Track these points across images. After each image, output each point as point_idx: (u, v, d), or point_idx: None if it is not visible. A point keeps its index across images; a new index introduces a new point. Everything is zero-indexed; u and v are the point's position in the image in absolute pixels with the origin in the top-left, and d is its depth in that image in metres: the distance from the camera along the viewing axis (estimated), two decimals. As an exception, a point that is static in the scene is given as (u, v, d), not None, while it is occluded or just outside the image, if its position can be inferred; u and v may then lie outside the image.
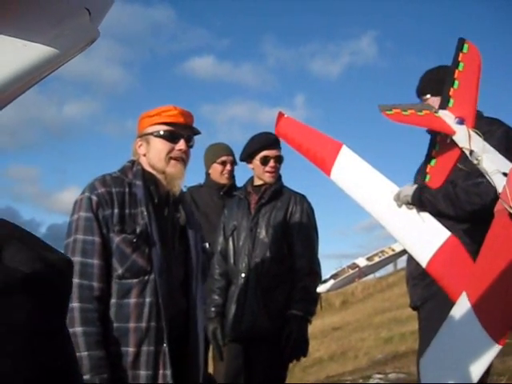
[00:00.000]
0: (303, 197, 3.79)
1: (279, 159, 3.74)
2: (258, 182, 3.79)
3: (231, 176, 4.23)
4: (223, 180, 4.20)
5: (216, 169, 4.21)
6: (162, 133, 2.42)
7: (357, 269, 6.16)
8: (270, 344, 3.53)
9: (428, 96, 3.23)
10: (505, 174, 2.30)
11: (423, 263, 2.93)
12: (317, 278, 3.64)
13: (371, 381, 8.04)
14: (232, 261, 3.64)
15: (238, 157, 4.05)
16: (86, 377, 2.16)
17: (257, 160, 3.75)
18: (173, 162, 2.42)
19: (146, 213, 2.35)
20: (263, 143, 3.74)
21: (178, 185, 2.43)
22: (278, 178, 3.81)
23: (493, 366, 3.09)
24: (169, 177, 2.43)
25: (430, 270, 2.91)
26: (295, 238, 3.61)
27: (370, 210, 3.08)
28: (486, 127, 2.91)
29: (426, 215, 2.97)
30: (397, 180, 3.10)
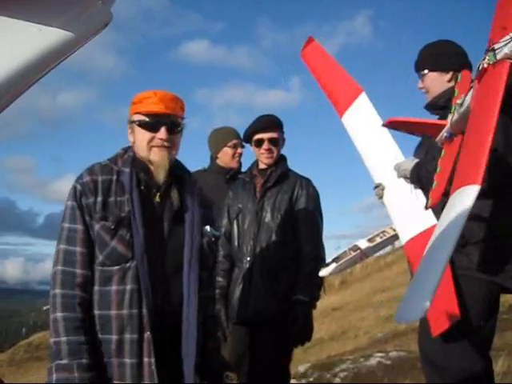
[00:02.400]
0: (309, 181, 3.78)
1: (273, 141, 3.71)
2: (261, 166, 3.79)
3: (240, 160, 4.22)
4: (234, 164, 4.19)
5: (227, 152, 4.18)
6: (142, 122, 2.42)
7: (358, 251, 6.22)
8: (275, 327, 3.56)
9: (426, 71, 3.19)
10: None
11: (403, 240, 2.96)
12: (322, 264, 3.63)
13: (372, 360, 8.10)
14: (236, 244, 3.65)
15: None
16: (65, 361, 2.22)
17: (252, 143, 3.76)
18: (155, 149, 2.41)
19: (129, 199, 2.37)
20: (255, 127, 3.76)
21: (161, 172, 2.41)
22: (283, 161, 3.80)
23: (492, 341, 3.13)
24: (153, 165, 2.43)
25: (406, 249, 2.94)
26: (300, 223, 3.61)
27: (370, 168, 3.08)
28: None
29: (421, 195, 2.99)
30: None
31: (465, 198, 2.13)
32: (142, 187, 2.43)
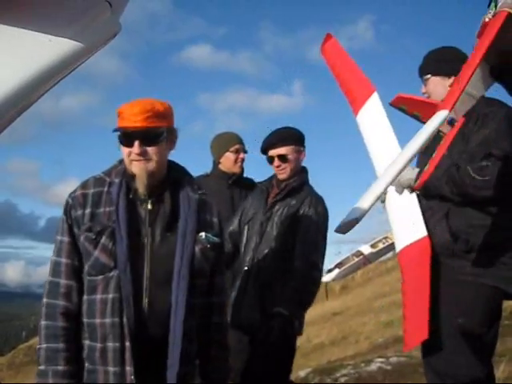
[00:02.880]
0: (320, 199, 3.71)
1: (282, 157, 3.68)
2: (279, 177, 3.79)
3: (242, 165, 4.22)
4: (236, 169, 4.19)
5: (229, 157, 4.19)
6: (120, 138, 2.46)
7: (361, 256, 6.22)
8: (259, 340, 3.53)
9: (429, 76, 3.21)
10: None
11: (397, 247, 2.99)
12: (312, 283, 3.56)
13: (372, 365, 8.08)
14: (242, 250, 3.65)
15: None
16: (42, 367, 2.34)
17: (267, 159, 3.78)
18: (134, 163, 2.43)
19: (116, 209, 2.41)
20: (265, 143, 3.78)
21: (140, 185, 2.43)
22: (302, 174, 3.76)
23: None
24: (135, 177, 2.46)
25: (399, 256, 2.97)
26: (298, 240, 3.54)
27: (376, 169, 3.09)
28: (487, 108, 2.92)
29: (417, 203, 3.00)
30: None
31: (432, 119, 2.37)
32: (131, 196, 2.45)
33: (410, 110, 3.00)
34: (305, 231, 3.57)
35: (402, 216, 3.07)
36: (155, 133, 2.42)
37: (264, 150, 3.79)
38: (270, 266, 3.55)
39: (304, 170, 3.84)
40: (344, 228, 2.18)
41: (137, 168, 2.44)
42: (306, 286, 3.52)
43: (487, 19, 2.46)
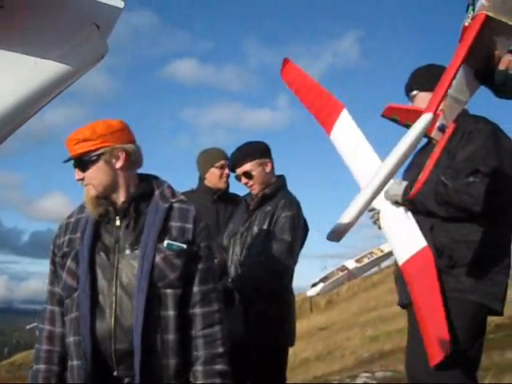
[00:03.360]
0: (293, 200, 3.70)
1: (246, 174, 3.70)
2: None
3: (228, 180, 4.23)
4: (221, 184, 4.20)
5: (214, 173, 4.19)
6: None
7: (346, 271, 6.25)
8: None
9: (415, 92, 3.21)
10: None
11: (400, 261, 2.99)
12: (277, 278, 3.51)
13: (358, 380, 8.08)
14: (229, 264, 3.64)
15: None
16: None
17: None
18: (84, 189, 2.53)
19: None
20: (231, 162, 3.85)
21: (89, 208, 2.49)
22: (277, 181, 3.77)
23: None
24: None
25: (403, 270, 2.97)
26: (275, 245, 3.48)
27: (360, 184, 3.09)
28: (473, 125, 2.95)
29: (410, 215, 3.02)
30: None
31: (417, 123, 2.38)
32: (95, 217, 2.49)
33: (402, 119, 3.02)
34: (279, 236, 3.52)
35: (399, 229, 3.08)
36: (83, 158, 2.47)
37: (232, 170, 3.85)
38: (249, 276, 3.51)
39: (280, 178, 3.83)
40: (334, 236, 2.22)
41: (84, 193, 2.52)
42: (270, 281, 3.49)
43: (466, 23, 2.49)
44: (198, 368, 2.41)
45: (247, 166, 3.69)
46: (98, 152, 2.44)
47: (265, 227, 3.58)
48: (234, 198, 4.20)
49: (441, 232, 2.96)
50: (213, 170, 4.18)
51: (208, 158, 4.22)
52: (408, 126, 2.93)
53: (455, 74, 2.44)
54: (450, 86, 2.44)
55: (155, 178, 2.62)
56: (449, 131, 2.67)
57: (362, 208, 2.25)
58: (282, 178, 3.82)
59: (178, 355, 2.38)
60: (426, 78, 3.20)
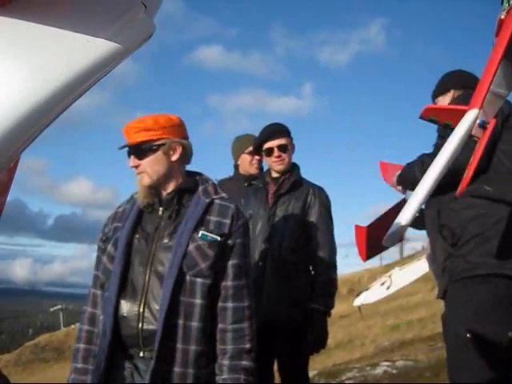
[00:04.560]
0: (321, 189, 3.78)
1: (282, 147, 3.72)
2: (274, 174, 3.81)
3: (260, 166, 4.24)
4: (253, 170, 4.21)
5: (245, 159, 4.21)
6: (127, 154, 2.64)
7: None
8: (288, 333, 3.55)
9: (439, 98, 3.32)
10: None
11: None
12: (336, 270, 3.65)
13: (378, 368, 8.08)
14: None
15: None
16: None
17: (263, 153, 3.80)
18: (137, 176, 2.60)
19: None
20: (263, 136, 3.80)
21: (140, 195, 2.58)
22: (296, 169, 3.82)
23: None
24: None
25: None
26: (314, 230, 3.59)
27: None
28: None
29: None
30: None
31: (463, 120, 2.37)
32: (142, 206, 2.59)
33: (441, 120, 3.01)
34: (318, 221, 3.63)
35: None
36: (143, 146, 2.56)
37: (261, 144, 3.82)
38: (286, 259, 3.57)
39: (297, 166, 3.88)
40: (390, 241, 2.25)
41: (137, 181, 2.60)
42: (332, 275, 3.60)
43: (502, 17, 2.47)
44: (225, 362, 2.45)
45: (283, 140, 3.73)
46: (158, 142, 2.54)
47: (297, 214, 3.62)
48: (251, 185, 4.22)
49: (447, 214, 2.95)
50: (244, 156, 4.19)
51: (239, 145, 4.24)
52: (447, 126, 2.93)
53: (497, 69, 2.42)
54: (492, 80, 2.42)
55: (201, 174, 2.72)
56: (490, 127, 2.63)
57: (415, 210, 2.25)
58: (297, 166, 3.87)
59: (201, 344, 2.42)
60: (444, 82, 3.27)
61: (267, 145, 3.74)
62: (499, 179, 2.90)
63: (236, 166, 4.28)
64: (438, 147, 3.16)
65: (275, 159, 3.72)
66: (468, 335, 2.77)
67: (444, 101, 3.29)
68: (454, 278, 2.90)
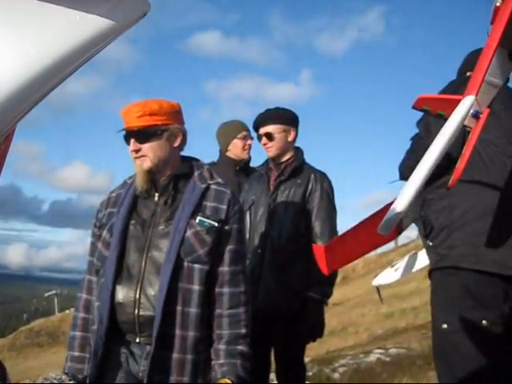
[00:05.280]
0: (324, 175, 3.74)
1: (267, 135, 3.71)
2: (275, 160, 3.79)
3: (249, 152, 4.26)
4: (244, 155, 4.22)
5: (237, 144, 4.21)
6: (123, 138, 2.60)
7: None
8: (285, 322, 3.54)
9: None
10: None
11: None
12: None
13: (371, 356, 8.12)
14: (248, 236, 3.64)
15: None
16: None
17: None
18: (135, 161, 2.56)
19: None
20: (255, 123, 3.82)
21: (138, 180, 2.55)
22: (299, 154, 3.80)
23: None
24: None
25: None
26: (314, 218, 3.57)
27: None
28: None
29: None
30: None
31: (459, 107, 2.35)
32: (137, 192, 2.58)
33: (433, 110, 2.99)
34: (318, 208, 3.60)
35: None
36: (147, 130, 2.53)
37: (255, 130, 3.86)
38: (285, 247, 3.55)
39: (300, 151, 3.85)
40: (385, 228, 2.24)
41: (135, 165, 2.57)
42: None
43: (498, 4, 2.44)
44: (221, 347, 2.46)
45: (270, 128, 3.71)
46: (162, 128, 2.53)
47: (298, 201, 3.60)
48: (255, 171, 4.22)
49: (426, 204, 2.94)
50: (235, 141, 4.19)
51: (230, 130, 4.24)
52: (440, 116, 2.91)
53: (492, 57, 2.40)
54: (488, 69, 2.40)
55: (196, 160, 2.71)
56: (483, 117, 2.61)
57: (411, 197, 2.24)
58: (300, 151, 3.84)
59: (198, 330, 2.42)
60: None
61: (259, 131, 3.76)
62: (472, 168, 2.87)
63: (222, 151, 4.27)
64: (415, 140, 3.16)
65: (263, 146, 3.74)
66: (444, 326, 2.79)
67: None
68: (430, 267, 2.93)
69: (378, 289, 10.06)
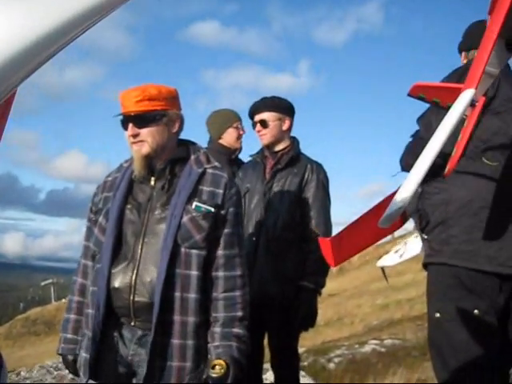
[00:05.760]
0: (320, 165, 3.75)
1: (262, 122, 3.71)
2: (271, 149, 3.78)
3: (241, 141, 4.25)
4: (238, 144, 4.21)
5: (231, 134, 4.19)
6: (121, 123, 2.56)
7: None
8: (278, 310, 3.54)
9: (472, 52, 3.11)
10: None
11: None
12: None
13: (367, 347, 8.17)
14: (244, 219, 3.64)
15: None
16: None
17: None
18: (131, 146, 2.53)
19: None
20: (250, 110, 3.83)
21: (136, 166, 2.53)
22: (295, 144, 3.79)
23: None
24: None
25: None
26: (310, 207, 3.57)
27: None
28: None
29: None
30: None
31: (459, 100, 2.34)
32: (133, 176, 2.56)
33: (428, 97, 2.98)
34: (314, 198, 3.60)
35: None
36: (146, 115, 2.51)
37: (250, 117, 3.85)
38: (280, 236, 3.55)
39: (296, 140, 3.85)
40: (386, 221, 2.24)
41: (133, 150, 2.54)
42: None
43: None
44: (216, 329, 2.45)
45: (265, 115, 3.72)
46: (162, 113, 2.51)
47: (294, 190, 3.60)
48: (243, 163, 4.21)
49: (423, 197, 2.94)
50: (230, 130, 4.17)
51: (224, 119, 4.21)
52: (435, 103, 2.90)
53: (492, 48, 2.38)
54: (488, 60, 2.39)
55: (193, 143, 2.69)
56: (479, 105, 2.60)
57: (412, 191, 2.24)
58: (296, 141, 3.83)
59: (198, 315, 2.42)
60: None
61: (254, 118, 3.76)
62: (465, 163, 2.86)
63: (213, 139, 4.25)
64: (415, 139, 3.14)
65: (257, 133, 3.74)
66: (437, 315, 2.81)
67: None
68: (424, 261, 2.94)
69: (382, 269, 10.16)
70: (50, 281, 54.44)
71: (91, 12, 0.63)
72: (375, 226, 2.64)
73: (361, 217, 3.18)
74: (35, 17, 0.61)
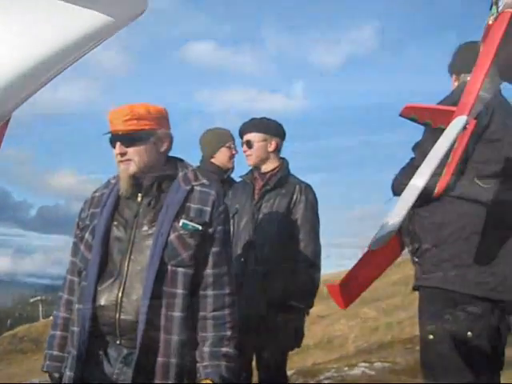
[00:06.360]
0: (308, 186, 3.76)
1: (247, 143, 3.76)
2: (260, 170, 3.81)
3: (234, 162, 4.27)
4: (230, 164, 4.22)
5: (225, 153, 4.20)
6: (109, 142, 2.58)
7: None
8: (266, 331, 3.53)
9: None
10: None
11: None
12: (319, 271, 3.65)
13: (356, 369, 8.12)
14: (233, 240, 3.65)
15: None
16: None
17: None
18: (120, 165, 2.55)
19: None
20: (238, 132, 3.89)
21: (122, 184, 2.53)
22: (284, 165, 3.81)
23: None
24: None
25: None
26: (298, 228, 3.58)
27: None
28: None
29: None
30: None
31: (451, 127, 2.37)
32: (120, 193, 2.56)
33: (420, 118, 3.01)
34: (302, 220, 3.61)
35: None
36: (134, 135, 2.52)
37: (240, 137, 3.90)
38: (269, 257, 3.56)
39: (285, 161, 3.86)
40: (376, 244, 2.26)
41: (120, 169, 2.55)
42: (314, 274, 3.59)
43: (490, 22, 2.47)
44: (205, 349, 2.44)
45: (250, 136, 3.76)
46: (150, 132, 2.52)
47: (283, 211, 3.61)
48: (235, 182, 4.23)
49: (414, 219, 2.96)
50: (223, 149, 4.18)
51: (217, 138, 4.23)
52: (426, 124, 2.94)
53: (485, 76, 2.42)
54: (481, 87, 2.42)
55: (181, 160, 2.69)
56: (470, 128, 2.64)
57: (403, 216, 2.25)
58: (286, 162, 3.86)
59: (183, 333, 2.41)
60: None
61: (242, 138, 3.82)
62: (457, 187, 2.88)
63: (205, 158, 4.26)
64: (409, 167, 3.15)
65: (244, 153, 3.79)
66: (430, 337, 2.83)
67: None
68: (415, 283, 2.97)
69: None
70: (39, 298, 53.81)
71: (86, 40, 0.66)
72: (377, 261, 2.68)
73: (362, 256, 3.23)
74: (33, 43, 0.64)
